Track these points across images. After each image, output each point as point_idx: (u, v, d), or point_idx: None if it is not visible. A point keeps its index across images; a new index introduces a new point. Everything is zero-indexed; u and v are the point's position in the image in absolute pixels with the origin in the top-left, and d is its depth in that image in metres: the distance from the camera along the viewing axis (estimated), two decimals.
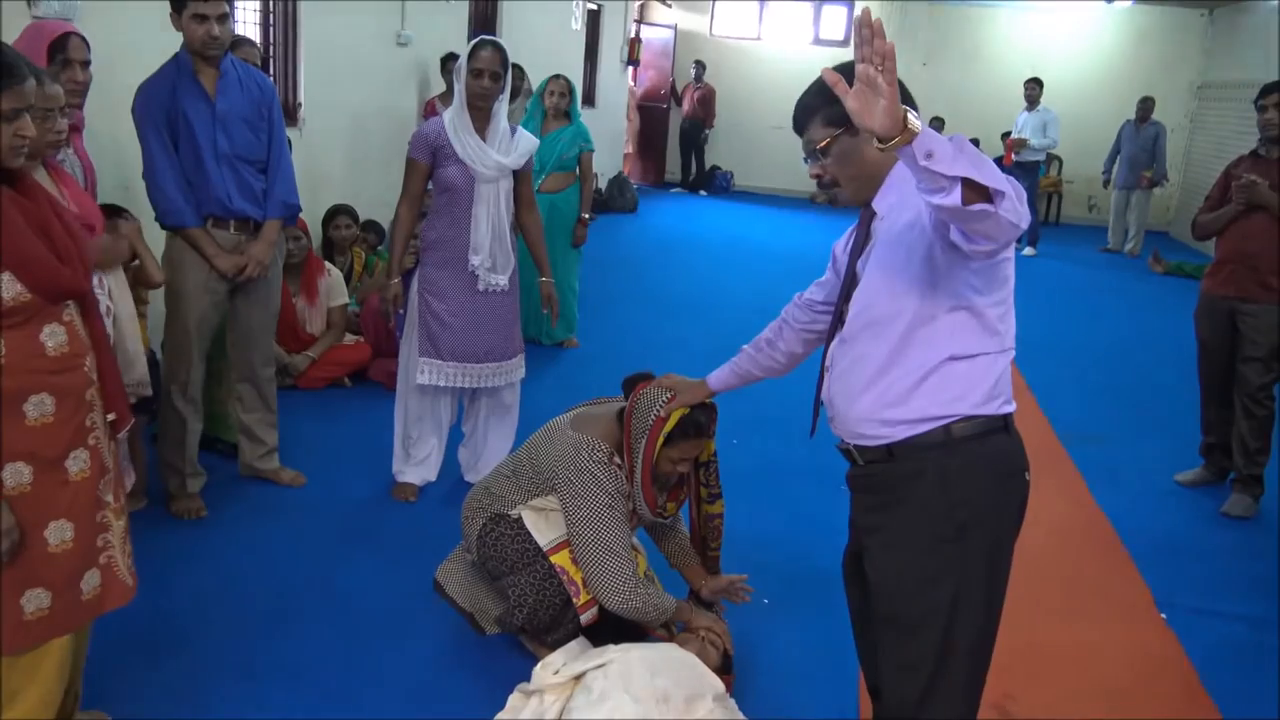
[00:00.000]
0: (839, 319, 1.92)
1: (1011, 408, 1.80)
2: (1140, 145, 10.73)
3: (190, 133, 3.16)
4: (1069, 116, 11.35)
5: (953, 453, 1.75)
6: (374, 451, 3.95)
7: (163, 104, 3.13)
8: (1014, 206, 1.47)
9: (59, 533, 1.88)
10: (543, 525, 2.59)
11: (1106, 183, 11.24)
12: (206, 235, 3.26)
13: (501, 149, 3.45)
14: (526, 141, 3.55)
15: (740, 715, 2.35)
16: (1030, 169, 10.57)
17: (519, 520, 2.62)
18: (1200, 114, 12.65)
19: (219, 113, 3.19)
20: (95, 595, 1.98)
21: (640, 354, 5.84)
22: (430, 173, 3.46)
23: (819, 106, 1.82)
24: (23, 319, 1.80)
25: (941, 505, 1.76)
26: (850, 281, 1.90)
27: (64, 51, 2.77)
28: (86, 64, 2.85)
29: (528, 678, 2.54)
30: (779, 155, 13.34)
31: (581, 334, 5.98)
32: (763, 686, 2.70)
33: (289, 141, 3.53)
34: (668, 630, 2.72)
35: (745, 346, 2.38)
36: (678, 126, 13.85)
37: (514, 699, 2.42)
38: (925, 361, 1.75)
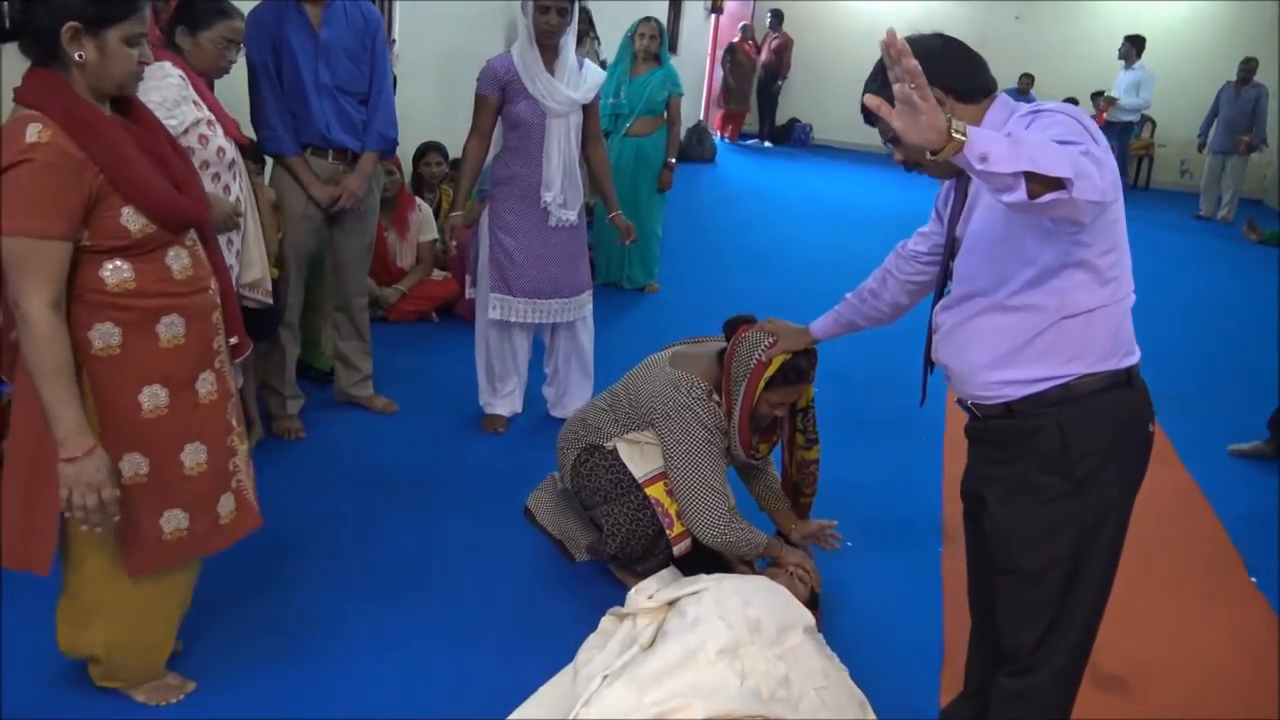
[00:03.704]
0: (944, 281, 1.91)
1: (1135, 359, 1.76)
2: (1240, 108, 10.32)
3: (293, 62, 3.22)
4: (1164, 77, 10.95)
5: (1073, 408, 1.72)
6: (461, 384, 4.03)
7: (268, 32, 3.19)
8: (1092, 185, 1.41)
9: (194, 455, 1.95)
10: (638, 457, 2.63)
11: (1202, 146, 10.86)
12: (304, 164, 3.33)
13: (571, 83, 3.44)
14: (594, 75, 3.53)
15: (828, 649, 2.39)
16: (1122, 130, 10.27)
17: (614, 452, 2.66)
18: None
19: (322, 43, 3.24)
20: (231, 520, 2.06)
21: (719, 302, 5.81)
22: (499, 109, 3.47)
23: (879, 95, 1.80)
24: (151, 248, 1.84)
25: (1061, 460, 1.73)
26: (951, 245, 1.88)
27: None
28: None
29: (616, 603, 2.60)
30: (858, 109, 13.10)
31: (662, 279, 6.00)
32: (846, 625, 2.72)
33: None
34: (750, 567, 2.76)
35: (848, 295, 2.37)
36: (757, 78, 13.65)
37: (606, 622, 2.48)
38: (1037, 324, 1.72)
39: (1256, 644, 2.89)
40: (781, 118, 13.85)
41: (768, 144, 13.54)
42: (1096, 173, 1.43)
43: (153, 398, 1.87)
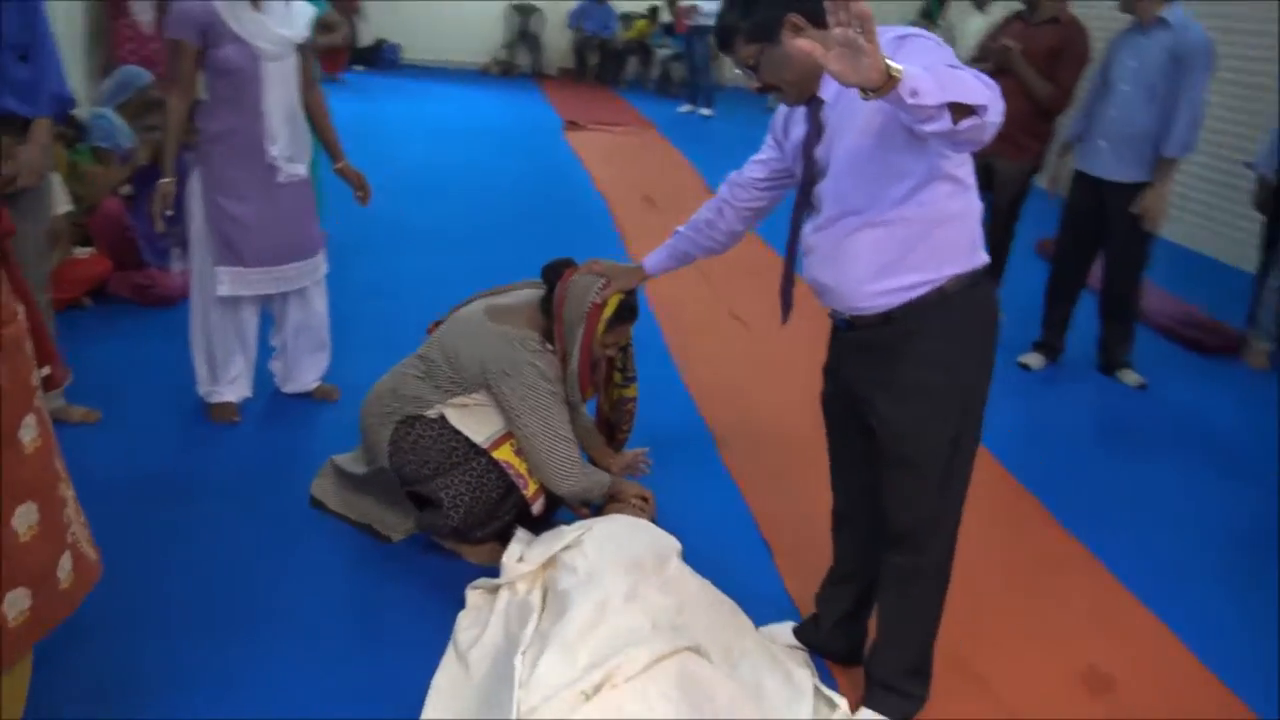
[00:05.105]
0: (807, 204, 2.00)
1: (986, 257, 1.97)
2: None
3: None
4: None
5: (948, 309, 1.90)
6: (160, 374, 3.57)
7: None
8: (996, 109, 1.56)
9: (26, 518, 1.57)
10: (471, 422, 2.50)
11: None
12: None
13: (281, 21, 3.09)
14: (304, 11, 3.19)
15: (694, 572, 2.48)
16: (704, 33, 10.96)
17: (440, 420, 2.51)
18: None
19: None
20: (71, 582, 1.69)
21: (394, 240, 5.63)
22: (200, 55, 3.05)
23: (738, 25, 1.86)
24: None
25: (942, 357, 1.92)
26: (812, 170, 1.96)
27: None
28: None
29: (455, 574, 2.52)
30: (447, 26, 12.86)
31: (327, 220, 5.57)
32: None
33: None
34: (586, 509, 2.77)
35: (680, 229, 2.40)
36: None
37: (475, 596, 2.38)
38: (913, 234, 1.86)
39: (1016, 515, 3.22)
40: (368, 38, 13.20)
41: (359, 67, 12.88)
42: (993, 96, 1.58)
43: None
